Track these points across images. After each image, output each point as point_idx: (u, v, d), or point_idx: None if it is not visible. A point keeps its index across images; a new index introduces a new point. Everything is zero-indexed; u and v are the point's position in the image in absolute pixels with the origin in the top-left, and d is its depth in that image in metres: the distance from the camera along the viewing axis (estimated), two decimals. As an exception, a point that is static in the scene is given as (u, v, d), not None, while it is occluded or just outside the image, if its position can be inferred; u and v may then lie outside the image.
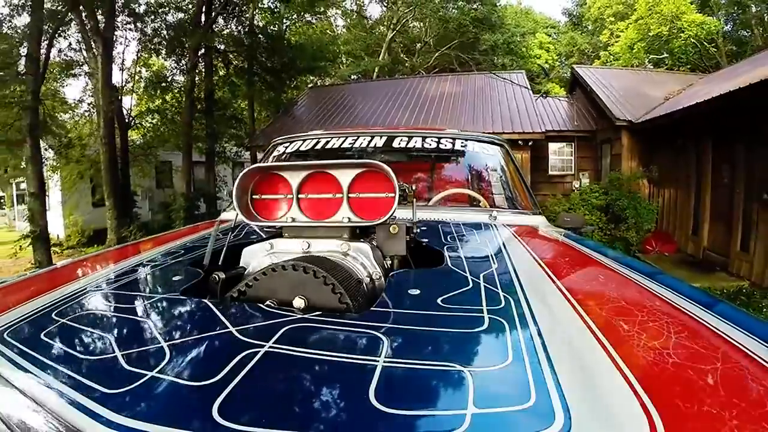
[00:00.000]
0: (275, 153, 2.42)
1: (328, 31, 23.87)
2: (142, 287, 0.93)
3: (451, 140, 2.23)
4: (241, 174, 0.97)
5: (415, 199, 1.18)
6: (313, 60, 15.48)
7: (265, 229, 1.34)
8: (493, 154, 2.28)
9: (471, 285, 0.84)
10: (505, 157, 2.30)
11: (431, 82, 14.77)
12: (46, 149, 11.53)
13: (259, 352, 0.57)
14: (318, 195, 0.98)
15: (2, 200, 25.76)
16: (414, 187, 1.20)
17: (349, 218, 0.94)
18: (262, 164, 1.07)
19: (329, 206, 0.97)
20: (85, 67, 12.92)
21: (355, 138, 2.24)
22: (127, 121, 13.50)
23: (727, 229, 6.96)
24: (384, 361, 0.55)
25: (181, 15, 13.55)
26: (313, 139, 2.36)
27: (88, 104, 14.14)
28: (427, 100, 13.09)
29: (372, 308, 0.73)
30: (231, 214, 1.52)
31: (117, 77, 13.08)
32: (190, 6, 13.37)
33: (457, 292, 0.80)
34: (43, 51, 9.88)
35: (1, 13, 10.17)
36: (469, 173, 2.34)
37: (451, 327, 0.66)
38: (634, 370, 0.51)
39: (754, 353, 0.58)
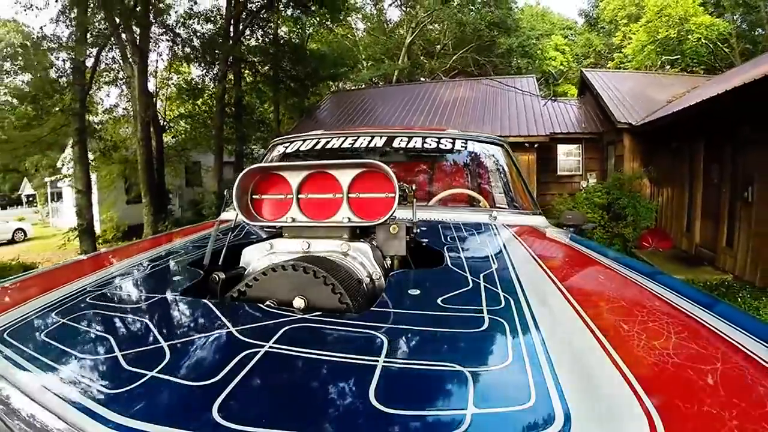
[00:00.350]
0: (275, 153, 2.42)
1: (348, 35, 24.69)
2: (143, 287, 0.93)
3: (451, 140, 2.23)
4: (241, 174, 0.97)
5: (415, 199, 1.18)
6: (334, 66, 16.30)
7: (265, 229, 1.33)
8: (493, 154, 2.27)
9: (471, 285, 0.84)
10: (506, 157, 2.29)
11: (446, 87, 15.40)
12: (92, 151, 12.65)
13: (259, 352, 0.57)
14: (318, 195, 0.98)
15: (34, 198, 26.73)
16: (414, 187, 1.21)
17: (349, 218, 0.94)
18: (262, 164, 1.08)
19: (329, 206, 0.97)
20: (121, 74, 14.09)
21: (355, 138, 2.22)
22: (162, 124, 14.58)
23: (715, 226, 7.42)
24: (384, 361, 0.55)
25: (210, 26, 14.54)
26: (313, 139, 2.36)
27: (123, 108, 15.35)
28: (441, 104, 13.74)
29: (372, 308, 0.73)
30: (231, 214, 1.50)
31: (151, 83, 14.18)
32: (218, 17, 14.35)
33: (457, 292, 0.80)
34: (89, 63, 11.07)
35: (56, 34, 11.29)
36: (469, 173, 2.34)
37: (451, 327, 0.66)
38: (634, 370, 0.52)
39: (754, 353, 0.58)
